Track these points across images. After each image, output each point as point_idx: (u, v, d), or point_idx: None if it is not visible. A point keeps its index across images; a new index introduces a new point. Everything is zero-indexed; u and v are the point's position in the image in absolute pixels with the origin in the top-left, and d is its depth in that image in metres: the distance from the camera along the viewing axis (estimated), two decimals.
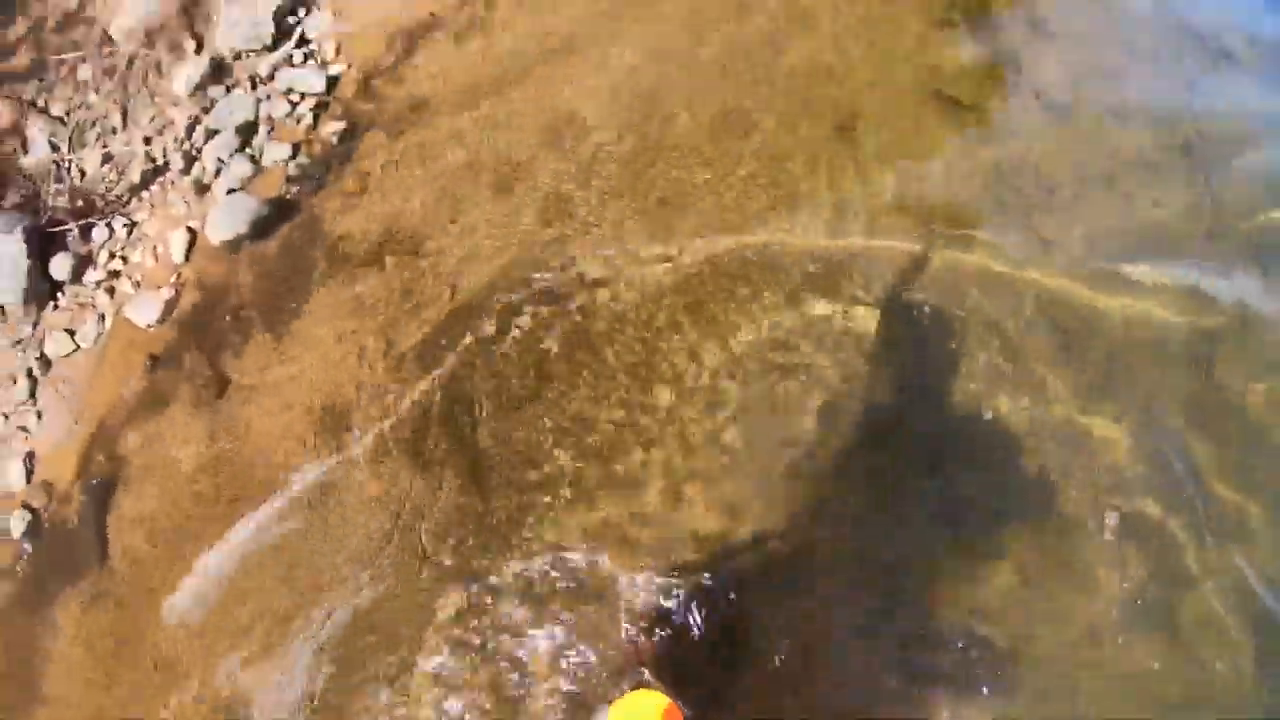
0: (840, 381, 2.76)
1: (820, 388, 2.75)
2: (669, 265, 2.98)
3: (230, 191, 3.49)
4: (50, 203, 3.63)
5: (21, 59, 3.98)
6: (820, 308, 2.87)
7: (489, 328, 2.95)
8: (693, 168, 3.16)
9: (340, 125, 3.47)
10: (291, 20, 3.82)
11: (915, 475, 2.67)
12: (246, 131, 3.58)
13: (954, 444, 2.71)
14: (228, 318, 3.27)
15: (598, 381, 2.82)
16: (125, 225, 3.64)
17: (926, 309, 2.88)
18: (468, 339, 2.95)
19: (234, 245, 3.39)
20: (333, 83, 3.62)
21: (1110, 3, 3.54)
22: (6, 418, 3.29)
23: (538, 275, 3.03)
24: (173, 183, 3.65)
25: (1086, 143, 3.19)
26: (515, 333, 2.92)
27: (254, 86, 3.72)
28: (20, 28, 4.08)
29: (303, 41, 3.79)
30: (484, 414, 2.82)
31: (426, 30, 3.68)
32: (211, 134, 3.62)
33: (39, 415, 3.32)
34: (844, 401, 2.74)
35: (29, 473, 3.21)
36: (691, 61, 3.40)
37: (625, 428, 2.73)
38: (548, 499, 2.67)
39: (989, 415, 2.72)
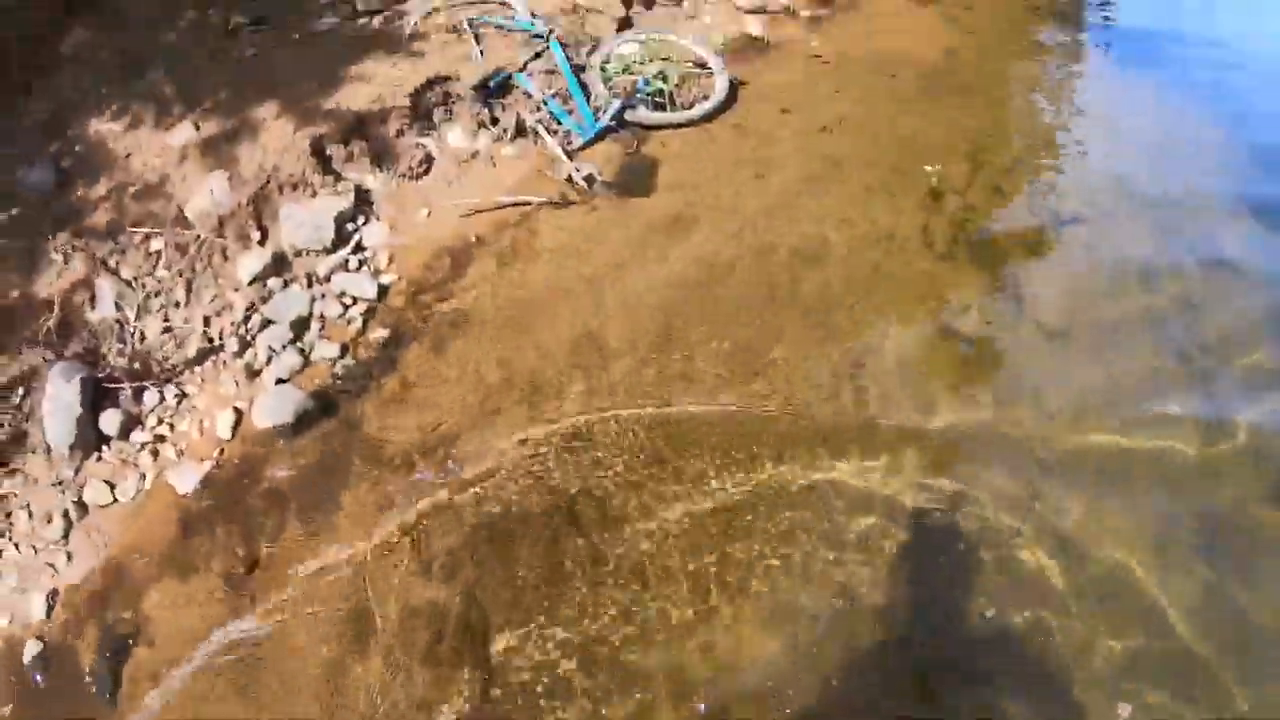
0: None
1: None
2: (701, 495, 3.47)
3: (279, 381, 3.91)
4: (110, 360, 4.04)
5: (100, 217, 4.46)
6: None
7: None
8: (715, 393, 3.68)
9: (386, 333, 3.96)
10: (350, 227, 4.35)
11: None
12: (299, 326, 4.04)
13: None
14: (263, 500, 3.66)
15: (606, 589, 3.24)
16: (176, 395, 4.05)
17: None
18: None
19: (278, 433, 3.80)
20: (383, 291, 4.13)
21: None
22: (37, 551, 3.58)
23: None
24: (225, 363, 4.09)
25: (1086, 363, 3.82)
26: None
27: (310, 284, 4.21)
28: (103, 187, 4.58)
29: (359, 249, 4.31)
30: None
31: (471, 251, 4.23)
32: (266, 323, 4.09)
33: (69, 556, 3.61)
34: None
35: (49, 608, 3.48)
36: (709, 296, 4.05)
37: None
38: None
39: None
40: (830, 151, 4.80)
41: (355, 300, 4.10)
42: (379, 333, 3.94)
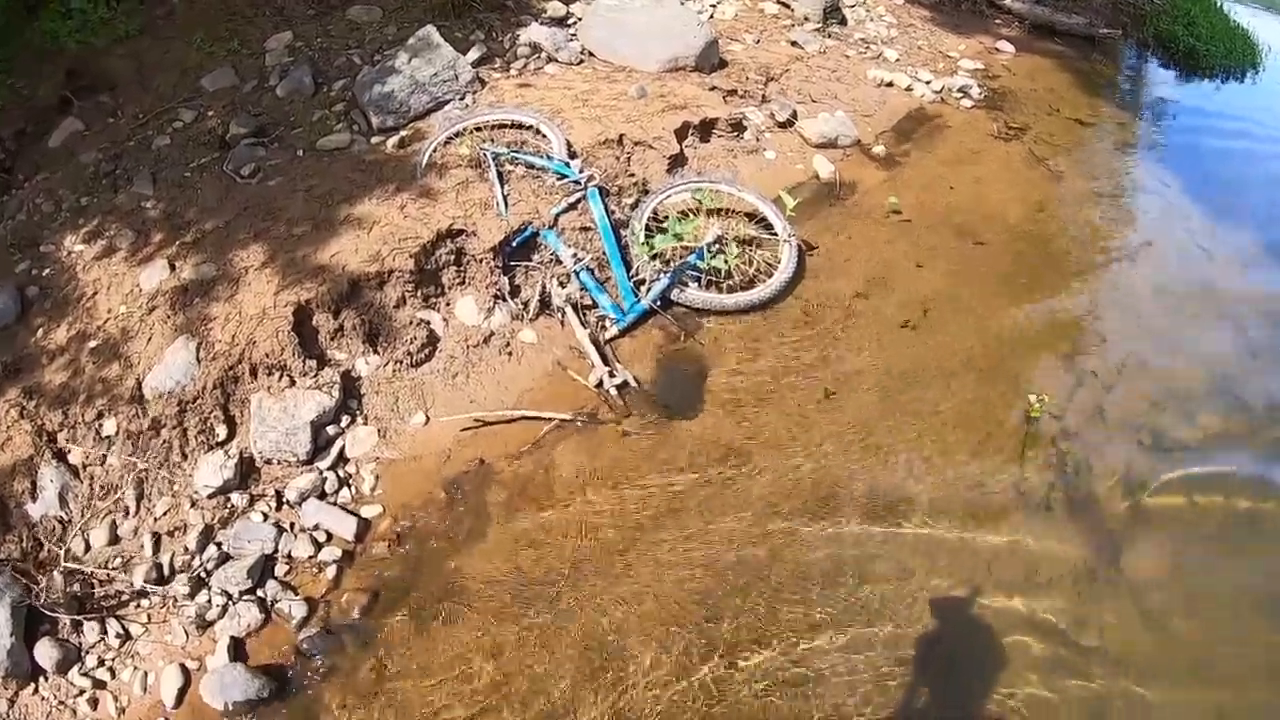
0: None
1: None
2: None
3: (234, 640, 3.24)
4: (50, 577, 3.40)
5: (54, 375, 3.82)
6: None
7: None
8: None
9: (364, 596, 3.25)
10: (331, 431, 3.61)
11: None
12: (260, 570, 3.36)
13: None
14: None
15: None
16: (119, 634, 3.40)
17: None
18: None
19: (227, 713, 3.14)
20: (365, 529, 3.40)
21: None
22: None
23: None
24: (175, 603, 3.42)
25: None
26: None
27: (279, 506, 3.49)
28: (63, 333, 3.91)
29: (341, 460, 3.58)
30: None
31: (472, 484, 3.47)
32: (224, 559, 3.40)
33: None
34: None
35: None
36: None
37: None
38: None
39: None
40: (911, 360, 3.94)
41: (330, 538, 3.35)
42: (355, 593, 3.20)
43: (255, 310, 3.74)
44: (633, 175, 4.45)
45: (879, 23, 6.76)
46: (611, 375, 3.58)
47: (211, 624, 3.33)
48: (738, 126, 5.05)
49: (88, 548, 3.53)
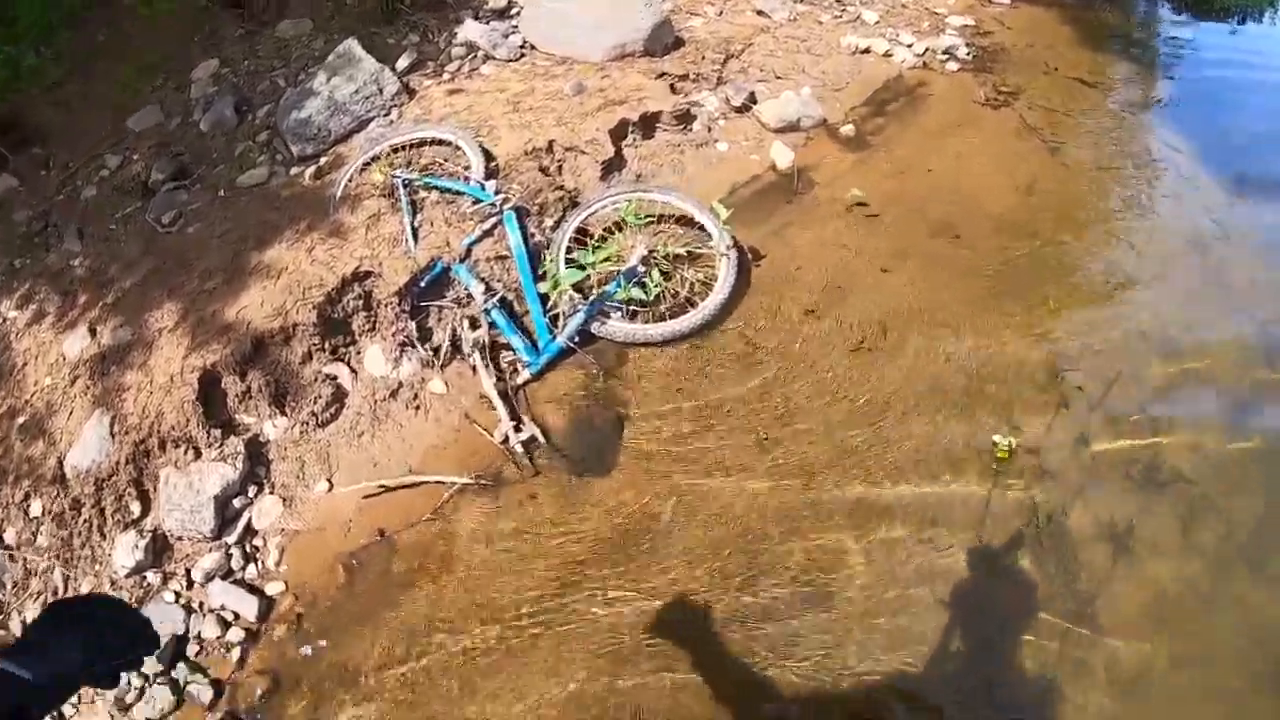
0: None
1: None
2: None
3: None
4: None
5: None
6: None
7: None
8: None
9: (265, 680, 3.17)
10: (238, 504, 3.51)
11: None
12: (172, 652, 3.31)
13: None
14: None
15: None
16: (53, 718, 3.43)
17: None
18: None
19: None
20: (267, 608, 3.31)
21: None
22: None
23: None
24: (99, 692, 3.42)
25: None
26: None
27: (189, 585, 3.43)
28: None
29: (248, 532, 3.48)
30: None
31: (370, 558, 3.31)
32: None
33: None
34: None
35: None
36: None
37: None
38: None
39: None
40: (865, 391, 3.46)
41: (237, 616, 3.27)
42: (258, 676, 3.11)
43: (164, 378, 3.64)
44: (561, 188, 4.07)
45: None
46: (518, 429, 3.31)
47: (130, 707, 3.31)
48: (685, 118, 4.55)
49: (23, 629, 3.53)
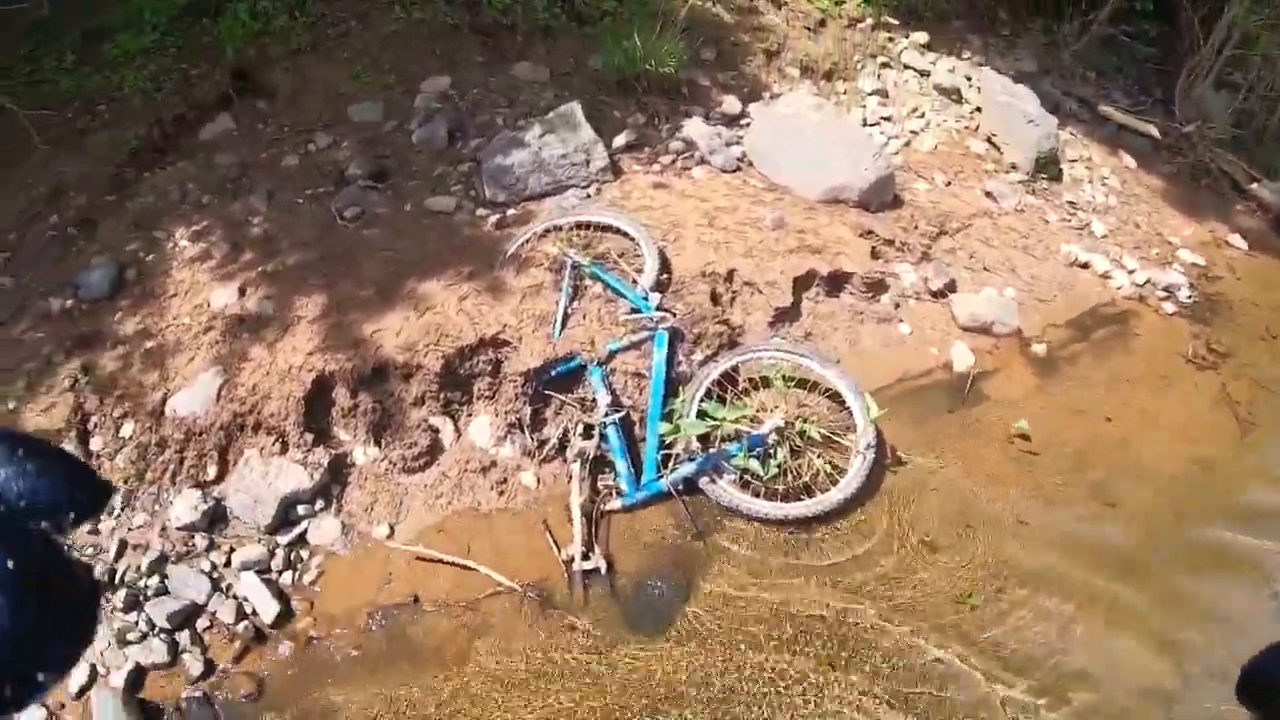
0: None
1: None
2: None
3: (139, 665, 3.63)
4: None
5: (110, 361, 4.40)
6: None
7: None
8: None
9: (252, 683, 3.46)
10: (301, 511, 3.84)
11: None
12: (184, 617, 3.67)
13: None
14: None
15: None
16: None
17: None
18: None
19: None
20: (282, 620, 3.60)
21: None
22: None
23: None
24: (112, 610, 3.78)
25: None
26: None
27: (227, 563, 3.76)
28: (131, 325, 4.47)
29: (300, 542, 3.78)
30: None
31: (395, 623, 3.53)
32: (163, 591, 3.71)
33: None
34: None
35: None
36: None
37: None
38: None
39: None
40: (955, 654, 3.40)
41: (255, 613, 3.58)
42: (247, 677, 3.42)
43: (284, 365, 4.09)
44: (725, 323, 4.30)
45: (1098, 186, 6.04)
46: (586, 556, 3.49)
47: (128, 644, 3.65)
48: (876, 286, 4.72)
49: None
